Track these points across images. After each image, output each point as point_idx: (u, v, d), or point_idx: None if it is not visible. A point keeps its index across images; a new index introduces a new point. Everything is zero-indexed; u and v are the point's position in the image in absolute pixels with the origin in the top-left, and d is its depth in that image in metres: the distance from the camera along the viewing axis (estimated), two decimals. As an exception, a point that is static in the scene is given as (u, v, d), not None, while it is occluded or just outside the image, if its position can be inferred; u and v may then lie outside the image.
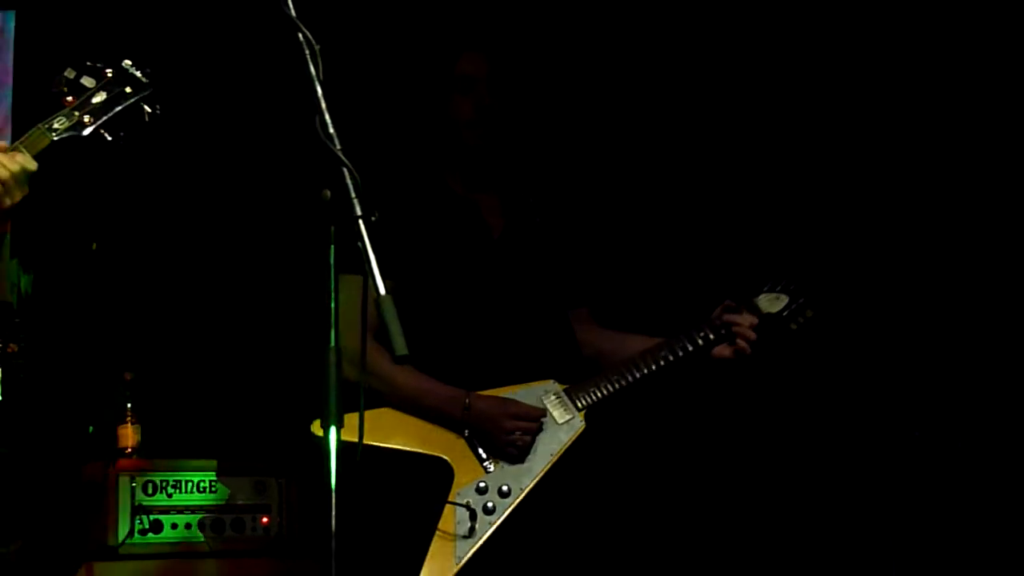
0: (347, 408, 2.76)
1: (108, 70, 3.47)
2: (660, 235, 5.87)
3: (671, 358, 4.25)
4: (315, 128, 2.78)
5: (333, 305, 2.80)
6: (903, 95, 5.39)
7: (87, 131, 3.40)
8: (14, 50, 6.63)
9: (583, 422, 4.18)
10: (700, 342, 4.26)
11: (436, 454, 4.09)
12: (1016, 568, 5.04)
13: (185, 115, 5.82)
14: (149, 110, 3.48)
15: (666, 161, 5.92)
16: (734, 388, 5.22)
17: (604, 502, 4.44)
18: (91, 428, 5.66)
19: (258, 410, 5.89)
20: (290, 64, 2.83)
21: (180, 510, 5.24)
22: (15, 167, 3.30)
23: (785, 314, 4.31)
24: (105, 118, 3.42)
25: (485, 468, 4.08)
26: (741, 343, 4.23)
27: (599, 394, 4.22)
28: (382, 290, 2.65)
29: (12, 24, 6.31)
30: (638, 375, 4.23)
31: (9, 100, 6.20)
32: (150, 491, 5.20)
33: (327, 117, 2.78)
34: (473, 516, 3.99)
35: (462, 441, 4.11)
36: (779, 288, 4.34)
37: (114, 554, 5.09)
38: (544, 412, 4.16)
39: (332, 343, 2.77)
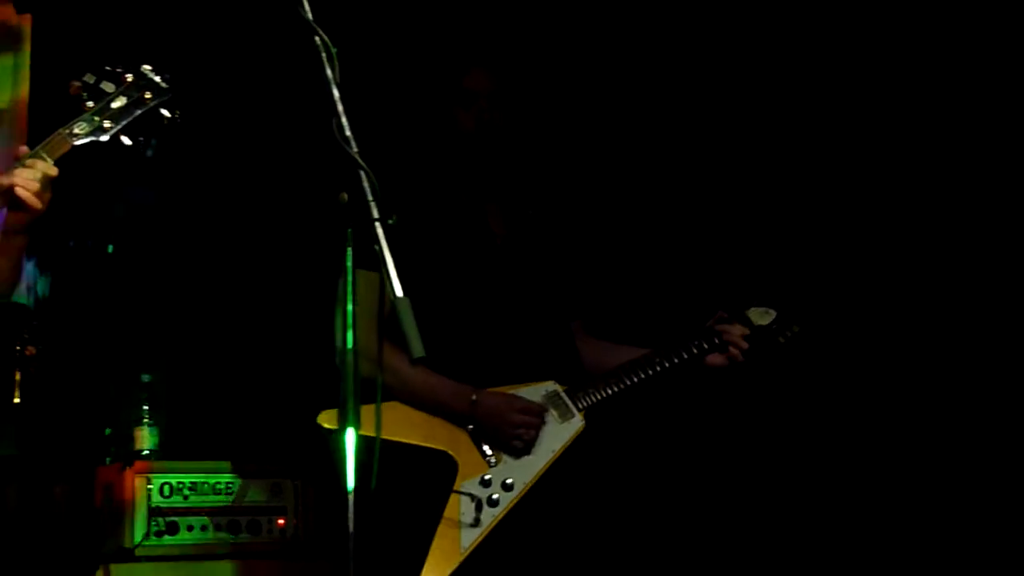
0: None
1: (128, 75, 3.49)
2: (652, 250, 5.90)
3: (667, 364, 4.34)
4: (332, 131, 2.79)
5: (351, 308, 2.81)
6: (891, 117, 5.41)
7: (107, 136, 3.42)
8: (31, 54, 6.67)
9: (583, 422, 4.24)
10: (695, 350, 4.36)
11: (440, 448, 4.13)
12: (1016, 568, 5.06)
13: (204, 118, 5.87)
14: (168, 115, 3.50)
15: (659, 180, 5.95)
16: (727, 395, 5.27)
17: (602, 499, 4.48)
18: (108, 430, 5.67)
19: (274, 412, 5.90)
20: (307, 67, 2.84)
21: (196, 512, 5.25)
22: (38, 176, 3.32)
23: (774, 327, 4.42)
24: (125, 122, 3.44)
25: (488, 462, 4.13)
26: (733, 351, 4.35)
27: (598, 396, 4.29)
28: (399, 292, 2.66)
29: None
30: (636, 379, 4.31)
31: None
32: (166, 493, 5.21)
33: (344, 120, 2.79)
34: (479, 507, 4.05)
35: (466, 436, 4.16)
36: (768, 303, 4.45)
37: (131, 556, 5.11)
38: (547, 408, 4.22)
39: (350, 344, 2.78)
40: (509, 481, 4.11)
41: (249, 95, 6.25)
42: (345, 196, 2.78)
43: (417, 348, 2.65)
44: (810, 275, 4.85)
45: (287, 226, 6.18)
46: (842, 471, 5.44)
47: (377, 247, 2.70)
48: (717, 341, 4.36)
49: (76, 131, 3.40)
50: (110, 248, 6.24)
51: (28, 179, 3.31)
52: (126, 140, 3.48)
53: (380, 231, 2.71)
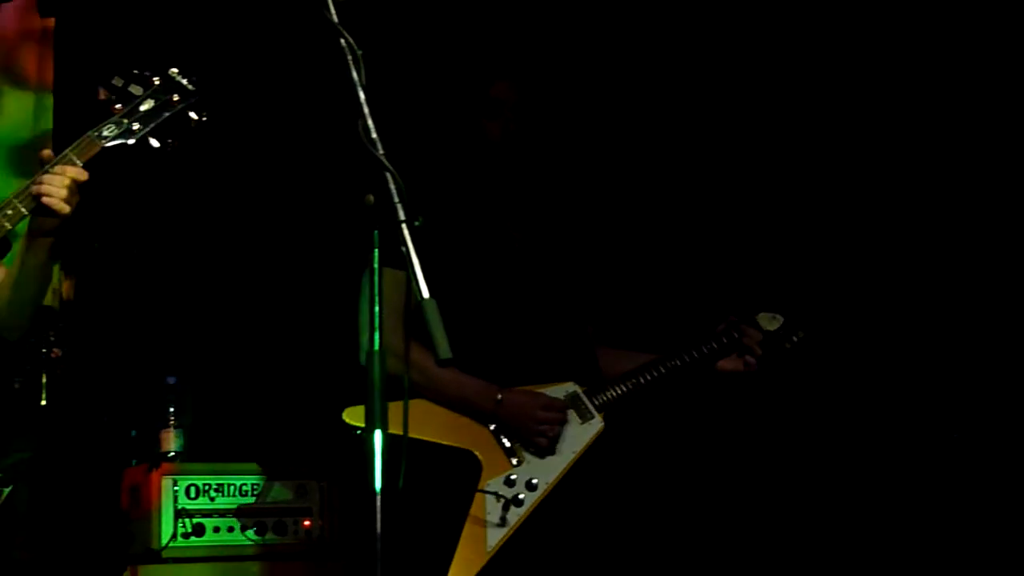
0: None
1: (155, 78, 3.50)
2: (663, 258, 5.93)
3: (680, 362, 4.38)
4: (358, 133, 2.79)
5: (377, 309, 2.81)
6: (898, 123, 5.42)
7: (135, 138, 3.43)
8: (55, 57, 6.69)
9: (603, 423, 4.27)
10: (705, 350, 4.40)
11: (465, 447, 4.15)
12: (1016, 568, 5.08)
13: (231, 121, 5.89)
14: (196, 117, 3.51)
15: (671, 189, 5.97)
16: (740, 397, 5.30)
17: (623, 499, 4.51)
18: (134, 432, 5.69)
19: (299, 414, 5.91)
20: (333, 70, 2.85)
21: (222, 513, 5.26)
22: (66, 182, 3.33)
23: (780, 333, 4.45)
24: (153, 125, 3.45)
25: (512, 462, 4.14)
26: (749, 358, 4.40)
27: (615, 393, 4.32)
28: (425, 293, 2.67)
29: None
30: (651, 376, 4.35)
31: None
32: (193, 494, 5.23)
33: (370, 122, 2.79)
34: (505, 507, 4.06)
35: (489, 434, 4.18)
36: (776, 309, 4.49)
37: (157, 557, 5.13)
38: (568, 406, 4.24)
39: (376, 346, 2.78)
40: (534, 481, 4.13)
41: (276, 98, 6.27)
42: (371, 198, 2.78)
43: (444, 349, 2.65)
44: (816, 281, 4.86)
45: (312, 227, 6.19)
46: (855, 470, 5.46)
47: (403, 248, 2.70)
48: (727, 341, 4.40)
49: (105, 133, 3.42)
50: (135, 250, 6.26)
51: (56, 186, 3.32)
52: (154, 142, 3.49)
53: (406, 233, 2.71)
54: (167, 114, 3.47)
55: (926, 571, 5.22)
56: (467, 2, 5.97)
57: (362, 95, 2.83)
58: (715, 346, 4.40)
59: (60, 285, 6.12)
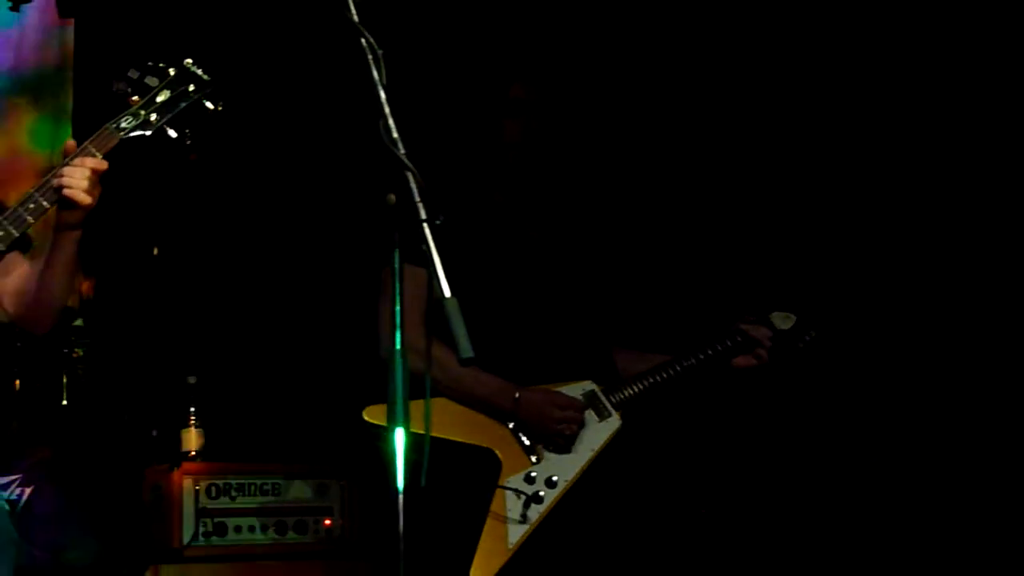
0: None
1: (171, 69, 3.51)
2: (677, 260, 5.94)
3: (695, 360, 4.41)
4: (379, 133, 2.80)
5: (398, 308, 2.82)
6: (912, 127, 5.43)
7: (153, 129, 3.45)
8: (74, 56, 6.73)
9: (620, 421, 4.28)
10: (720, 347, 4.43)
11: (484, 445, 4.15)
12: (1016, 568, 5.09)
13: (252, 121, 5.90)
14: (212, 107, 3.52)
15: (684, 192, 5.98)
16: (755, 396, 5.33)
17: (641, 496, 4.53)
18: (154, 432, 5.70)
19: (320, 413, 5.92)
20: (354, 70, 2.85)
21: (243, 512, 5.28)
22: (86, 173, 3.34)
23: (793, 332, 4.50)
24: (170, 115, 3.47)
25: (531, 459, 4.15)
26: (760, 352, 4.44)
27: (632, 391, 4.34)
28: (447, 292, 2.67)
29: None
30: (667, 375, 4.38)
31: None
32: (214, 494, 5.24)
33: (391, 122, 2.80)
34: (526, 504, 4.08)
35: (508, 433, 4.19)
36: (789, 308, 4.54)
37: (179, 556, 5.14)
38: (586, 405, 4.25)
39: (397, 345, 2.79)
40: (554, 478, 4.13)
41: (297, 98, 6.29)
42: (392, 197, 2.79)
43: (466, 348, 2.65)
44: (829, 281, 4.88)
45: (333, 226, 6.21)
46: (870, 470, 5.47)
47: (424, 247, 2.70)
48: (740, 339, 4.44)
49: (123, 125, 3.43)
50: (155, 250, 6.27)
51: (77, 177, 3.33)
52: (172, 132, 3.51)
53: (428, 232, 2.71)
54: (183, 104, 3.48)
55: (938, 571, 5.24)
56: (486, 3, 5.98)
57: (383, 95, 2.83)
58: (729, 344, 4.44)
59: (80, 284, 6.14)
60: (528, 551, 4.05)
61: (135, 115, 3.45)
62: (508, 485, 4.09)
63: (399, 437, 2.75)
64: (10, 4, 6.64)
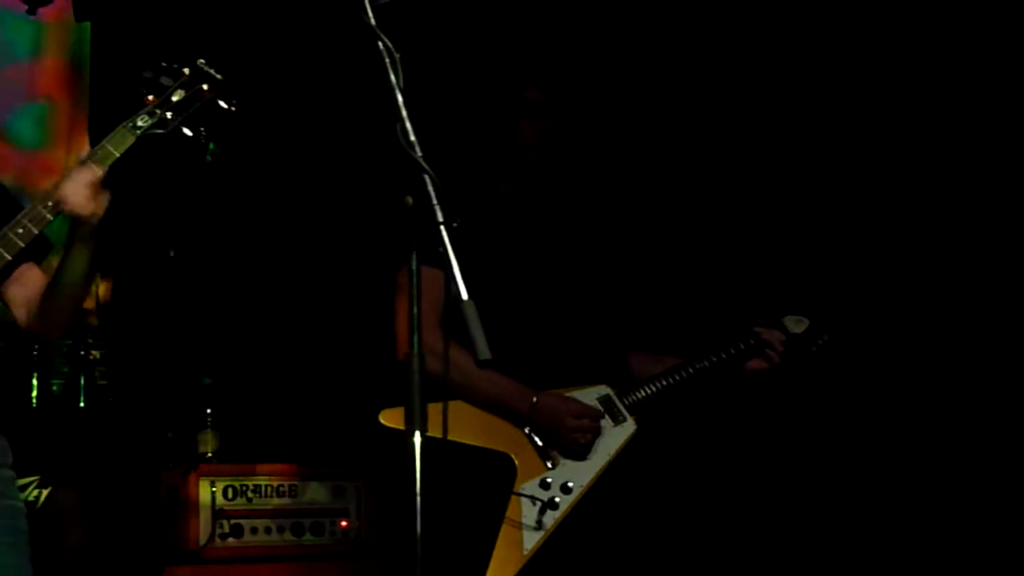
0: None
1: (185, 69, 3.52)
2: (690, 263, 5.94)
3: (708, 363, 4.42)
4: (396, 135, 2.80)
5: (416, 310, 2.82)
6: (925, 131, 5.44)
7: (169, 127, 3.46)
8: (91, 57, 6.75)
9: (635, 425, 4.28)
10: (733, 351, 4.44)
11: (500, 449, 4.16)
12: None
13: (268, 123, 5.91)
14: (226, 106, 3.53)
15: (699, 195, 5.99)
16: (768, 399, 5.34)
17: (656, 501, 4.54)
18: (171, 434, 5.71)
19: (336, 415, 5.92)
20: (371, 73, 2.85)
21: (260, 514, 5.28)
22: (84, 182, 3.35)
23: (806, 336, 4.51)
24: (186, 114, 3.48)
25: (547, 464, 4.15)
26: (771, 354, 4.44)
27: (646, 394, 4.34)
28: (464, 295, 2.68)
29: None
30: (680, 377, 4.38)
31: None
32: (230, 495, 5.25)
33: (408, 124, 2.80)
34: (541, 510, 4.07)
35: (523, 437, 4.19)
36: (802, 311, 4.55)
37: (195, 558, 5.15)
38: (602, 412, 4.25)
39: (415, 348, 2.79)
40: (569, 484, 4.13)
41: (314, 100, 6.29)
42: (410, 199, 2.79)
43: (483, 350, 2.65)
44: (841, 285, 4.89)
45: (350, 227, 6.21)
46: (886, 473, 5.48)
47: (442, 250, 2.71)
48: (753, 343, 4.45)
49: (139, 123, 3.44)
50: (171, 252, 6.28)
51: (73, 191, 3.34)
52: (187, 131, 3.52)
53: (445, 234, 2.72)
54: (199, 103, 3.49)
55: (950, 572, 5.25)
56: (502, 6, 5.98)
57: (400, 97, 2.83)
58: (742, 347, 4.44)
59: (97, 287, 6.15)
60: (543, 557, 4.05)
61: (151, 114, 3.46)
62: (523, 492, 4.08)
63: (417, 440, 2.75)
64: (26, 7, 6.67)
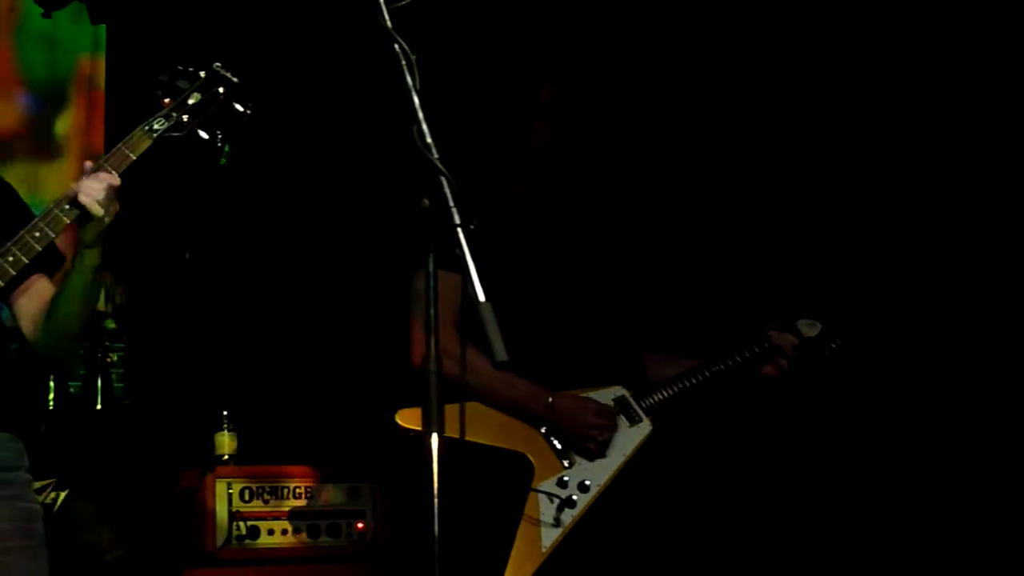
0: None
1: (201, 72, 3.53)
2: (704, 265, 5.95)
3: (723, 366, 4.44)
4: (413, 138, 2.80)
5: (433, 312, 2.83)
6: (938, 136, 5.44)
7: (184, 130, 3.46)
8: (106, 60, 6.78)
9: (651, 426, 4.30)
10: (748, 355, 4.46)
11: (517, 449, 4.17)
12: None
13: (284, 126, 5.92)
14: (242, 109, 3.54)
15: (713, 198, 5.99)
16: (780, 402, 5.34)
17: (672, 500, 4.55)
18: (187, 436, 5.72)
19: (352, 416, 5.93)
20: (388, 75, 2.86)
21: (276, 516, 5.28)
22: (103, 185, 3.35)
23: (819, 339, 4.53)
24: (202, 117, 3.48)
25: (563, 464, 4.16)
26: (782, 361, 4.47)
27: (662, 397, 4.36)
28: (481, 297, 2.68)
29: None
30: (696, 380, 4.41)
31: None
32: (247, 497, 5.25)
33: (424, 127, 2.80)
34: (559, 507, 4.09)
35: (540, 437, 4.21)
36: (815, 315, 4.57)
37: (212, 560, 5.15)
38: (618, 413, 4.25)
39: (432, 350, 2.79)
40: (586, 483, 4.15)
41: (330, 102, 6.30)
42: (426, 202, 2.80)
43: (500, 352, 2.66)
44: (854, 289, 4.89)
45: (366, 230, 6.22)
46: (900, 475, 5.48)
47: (458, 252, 2.71)
48: (767, 346, 4.46)
49: (155, 126, 3.45)
50: (186, 255, 6.30)
51: (93, 188, 3.34)
52: (203, 134, 3.52)
53: (462, 236, 2.72)
54: (214, 106, 3.49)
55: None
56: (515, 7, 5.99)
57: (416, 100, 2.84)
58: (757, 351, 4.46)
59: (114, 290, 6.16)
60: (562, 555, 4.06)
61: (167, 117, 3.47)
62: (542, 489, 4.10)
63: (434, 441, 2.75)
64: (42, 11, 6.69)
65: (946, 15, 5.37)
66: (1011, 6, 5.20)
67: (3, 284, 3.38)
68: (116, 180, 3.37)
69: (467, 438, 3.93)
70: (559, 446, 4.18)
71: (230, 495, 5.21)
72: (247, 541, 5.21)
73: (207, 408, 5.60)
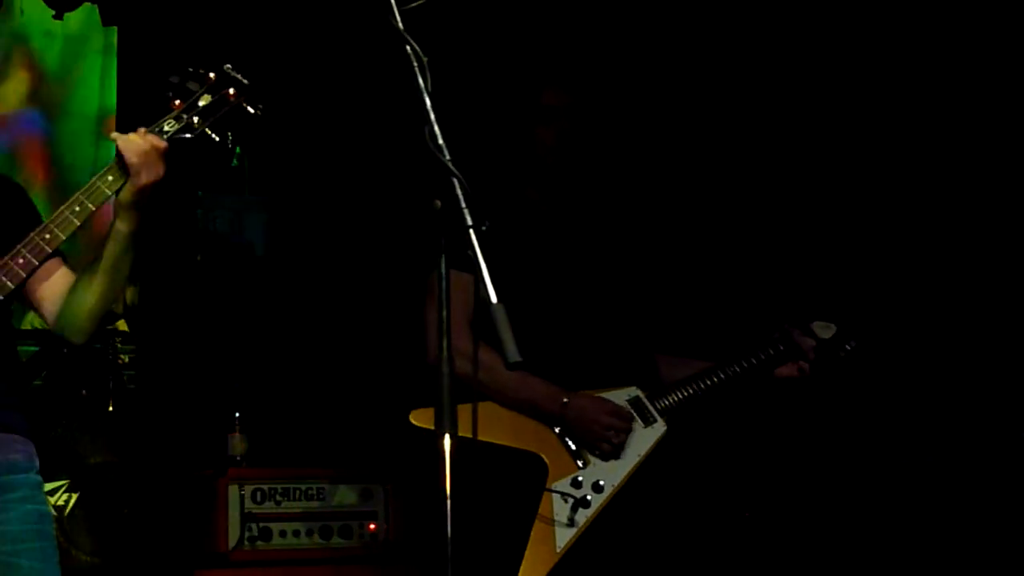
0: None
1: (211, 74, 3.52)
2: (718, 266, 5.95)
3: (739, 368, 4.41)
4: (425, 139, 2.80)
5: (445, 314, 2.82)
6: (952, 141, 5.44)
7: (195, 132, 3.45)
8: (118, 62, 6.80)
9: (666, 426, 4.28)
10: (763, 357, 4.43)
11: (531, 449, 4.16)
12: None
13: (296, 127, 5.93)
14: (252, 110, 3.53)
15: (726, 200, 5.99)
16: (796, 403, 5.34)
17: (686, 501, 4.54)
18: (200, 437, 5.73)
19: (364, 417, 5.93)
20: (400, 77, 2.86)
21: (289, 517, 5.29)
22: (148, 143, 3.34)
23: (834, 341, 4.49)
24: (212, 119, 3.48)
25: (578, 464, 4.16)
26: (804, 365, 4.43)
27: (676, 398, 4.33)
28: (494, 298, 2.68)
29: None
30: (711, 382, 4.37)
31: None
32: (259, 499, 5.26)
33: (436, 128, 2.80)
34: (574, 507, 4.09)
35: (554, 437, 4.20)
36: (830, 317, 4.53)
37: (225, 561, 5.16)
38: (632, 413, 4.25)
39: (445, 351, 2.79)
40: (600, 483, 4.14)
41: (343, 103, 6.31)
42: (439, 203, 2.79)
43: (513, 353, 2.65)
44: (869, 291, 4.89)
45: (379, 231, 6.23)
46: (915, 477, 5.48)
47: (471, 253, 2.71)
48: (783, 348, 4.43)
49: (166, 128, 3.44)
50: (198, 257, 6.31)
51: (137, 147, 3.33)
52: (214, 136, 3.52)
53: (474, 237, 2.72)
54: (225, 108, 3.49)
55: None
56: (515, 10, 5.99)
57: (428, 101, 2.83)
58: (772, 353, 4.43)
59: (124, 291, 6.17)
60: (576, 555, 4.06)
61: (177, 119, 3.46)
62: (556, 488, 4.10)
63: (447, 442, 2.75)
64: (54, 12, 6.71)
65: (949, 15, 5.37)
66: (1011, 6, 5.19)
67: (13, 286, 3.36)
68: (162, 144, 3.36)
69: (481, 438, 3.95)
70: (573, 446, 4.18)
71: (242, 496, 5.22)
72: (259, 542, 5.22)
73: (219, 409, 5.62)
